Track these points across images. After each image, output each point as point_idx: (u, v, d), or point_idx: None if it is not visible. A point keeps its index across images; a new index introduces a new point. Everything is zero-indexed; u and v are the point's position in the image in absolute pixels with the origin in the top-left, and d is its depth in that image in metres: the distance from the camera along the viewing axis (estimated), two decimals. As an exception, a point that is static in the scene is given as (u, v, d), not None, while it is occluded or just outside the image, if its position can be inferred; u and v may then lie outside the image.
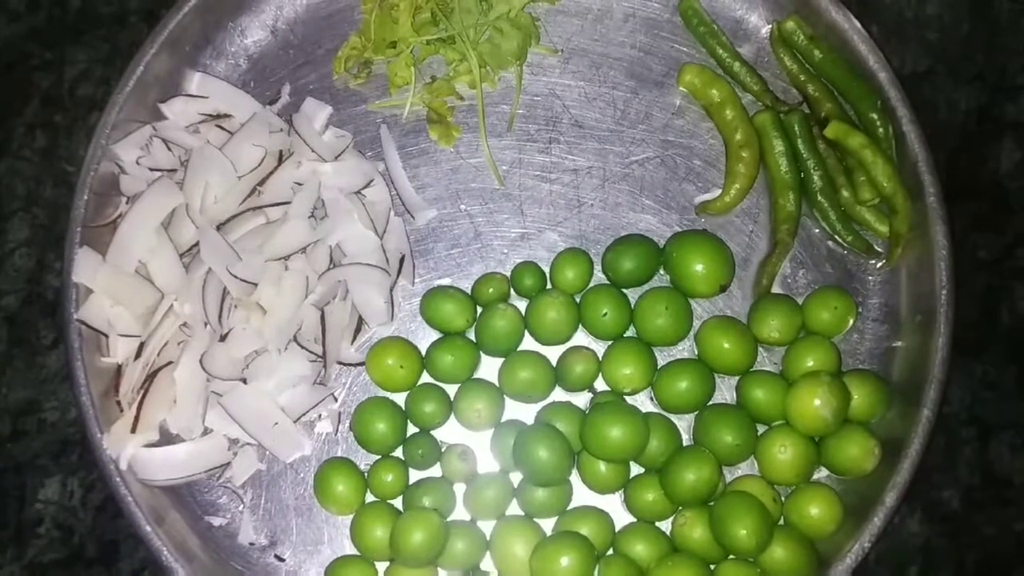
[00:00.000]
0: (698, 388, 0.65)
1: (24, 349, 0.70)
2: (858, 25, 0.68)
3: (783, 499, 0.65)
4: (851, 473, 0.65)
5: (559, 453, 0.62)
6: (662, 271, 0.69)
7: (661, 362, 0.67)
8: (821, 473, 0.66)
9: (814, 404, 0.62)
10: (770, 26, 0.71)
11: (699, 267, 0.66)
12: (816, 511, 0.63)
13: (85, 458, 0.68)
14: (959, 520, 0.69)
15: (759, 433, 0.65)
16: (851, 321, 0.67)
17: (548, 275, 0.68)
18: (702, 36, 0.70)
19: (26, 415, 0.69)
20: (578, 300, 0.67)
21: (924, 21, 0.74)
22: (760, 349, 0.67)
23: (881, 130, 0.68)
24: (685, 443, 0.66)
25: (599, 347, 0.67)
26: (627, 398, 0.66)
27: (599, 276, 0.69)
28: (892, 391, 0.66)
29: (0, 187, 0.72)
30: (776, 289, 0.69)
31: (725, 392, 0.67)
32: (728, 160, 0.69)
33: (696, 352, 0.67)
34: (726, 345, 0.65)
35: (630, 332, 0.68)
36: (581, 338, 0.68)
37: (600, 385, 0.67)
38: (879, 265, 0.69)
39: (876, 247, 0.69)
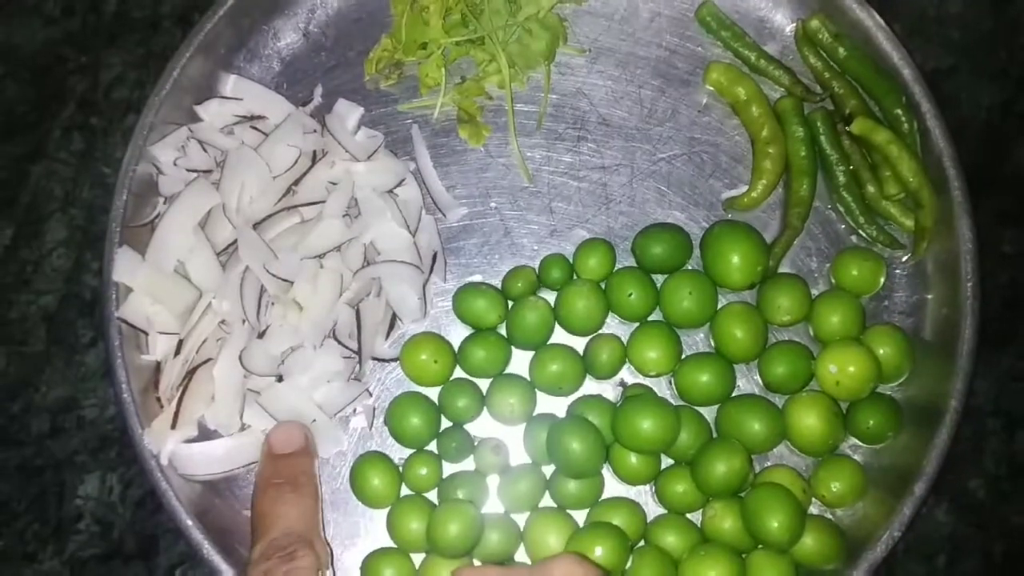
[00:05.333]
0: (719, 381, 0.66)
1: (63, 348, 0.72)
2: (882, 22, 0.69)
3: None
4: (878, 440, 0.66)
5: (591, 445, 0.63)
6: (690, 264, 0.70)
7: (686, 346, 0.68)
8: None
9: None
10: (794, 24, 0.72)
11: (735, 259, 0.67)
12: (839, 485, 0.65)
13: (124, 454, 0.69)
14: (986, 510, 0.70)
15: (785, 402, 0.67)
16: (881, 280, 0.68)
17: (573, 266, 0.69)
18: (725, 39, 0.71)
19: (65, 412, 0.71)
20: (604, 287, 0.68)
21: (946, 19, 0.75)
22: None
23: (906, 126, 0.69)
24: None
25: (626, 333, 0.68)
26: (657, 391, 0.67)
27: (623, 264, 0.70)
28: (916, 348, 0.67)
29: (38, 189, 0.73)
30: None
31: (739, 379, 0.68)
32: (755, 156, 0.70)
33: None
34: (738, 334, 0.66)
35: (656, 315, 0.69)
36: (611, 326, 0.69)
37: (628, 376, 0.68)
38: (905, 259, 0.70)
39: (901, 241, 0.70)
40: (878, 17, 0.69)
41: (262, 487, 0.62)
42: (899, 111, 0.69)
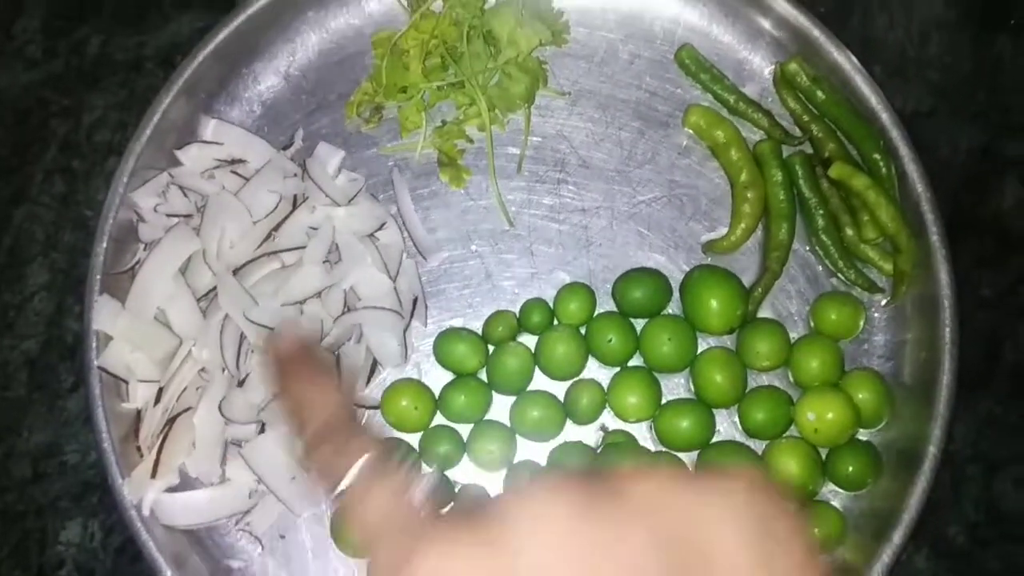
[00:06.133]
0: (699, 427, 0.66)
1: (45, 392, 0.72)
2: (860, 66, 0.69)
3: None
4: (857, 486, 0.66)
5: (571, 494, 0.63)
6: (671, 308, 0.70)
7: (666, 388, 0.68)
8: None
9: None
10: (773, 67, 0.72)
11: (714, 303, 0.67)
12: (818, 532, 0.65)
13: (105, 501, 0.69)
14: (966, 556, 0.70)
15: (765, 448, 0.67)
16: (860, 324, 0.68)
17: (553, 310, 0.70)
18: (704, 82, 0.71)
19: (47, 458, 0.71)
20: (585, 332, 0.69)
21: (926, 61, 0.75)
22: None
23: (884, 170, 0.69)
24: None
25: (607, 376, 0.68)
26: (637, 435, 0.68)
27: (605, 309, 0.70)
28: (895, 394, 0.68)
29: (20, 233, 0.73)
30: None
31: (720, 423, 0.68)
32: (734, 200, 0.71)
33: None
34: (718, 379, 0.67)
35: (637, 359, 0.69)
36: (591, 371, 0.69)
37: (609, 421, 0.68)
38: (883, 302, 0.70)
39: (879, 284, 0.70)
40: (856, 61, 0.70)
41: (282, 388, 0.60)
42: (877, 155, 0.69)
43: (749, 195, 0.70)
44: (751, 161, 0.70)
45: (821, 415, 0.65)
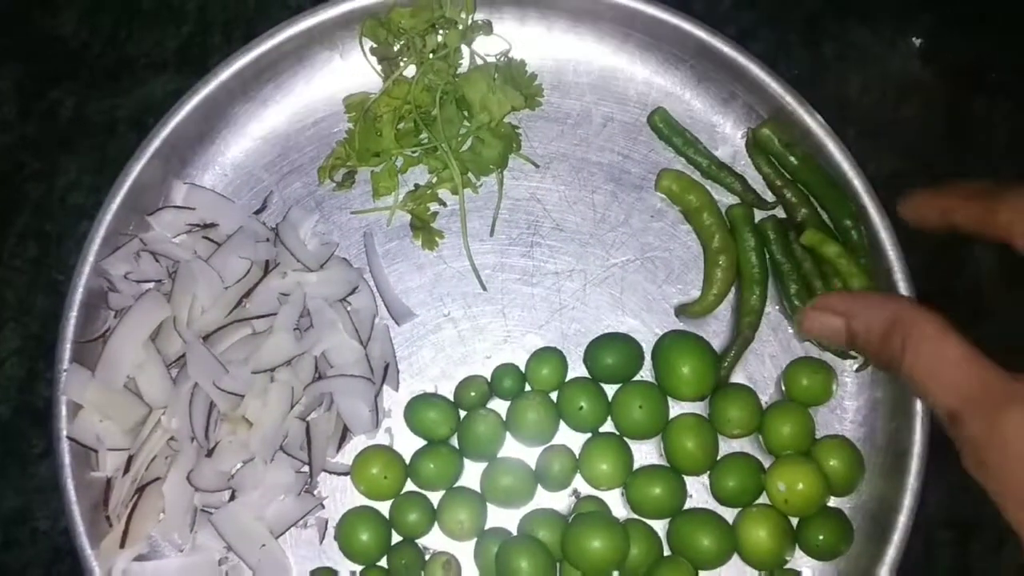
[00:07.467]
0: (670, 495, 0.66)
1: (16, 458, 0.71)
2: (832, 132, 0.69)
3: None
4: (829, 555, 0.66)
5: (540, 564, 0.63)
6: (642, 372, 0.70)
7: (638, 452, 0.68)
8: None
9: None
10: (746, 131, 0.72)
11: (685, 371, 0.67)
12: None
13: (76, 569, 0.69)
14: (939, 624, 0.70)
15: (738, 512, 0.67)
16: (831, 390, 0.68)
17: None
18: (676, 145, 0.71)
19: (19, 524, 0.71)
20: (556, 397, 0.69)
21: (902, 123, 0.75)
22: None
23: (856, 236, 0.69)
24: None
25: (579, 441, 0.68)
26: (609, 499, 0.68)
27: (578, 373, 0.70)
28: (866, 461, 0.68)
29: (-7, 297, 0.73)
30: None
31: (693, 488, 0.68)
32: (706, 265, 0.70)
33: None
34: (689, 447, 0.66)
35: (609, 425, 0.69)
36: (563, 436, 0.69)
37: (581, 486, 0.68)
38: (855, 368, 0.70)
39: (852, 351, 0.70)
40: (828, 126, 0.69)
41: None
42: (848, 222, 0.69)
43: (721, 260, 0.70)
44: (723, 226, 0.70)
45: (791, 486, 0.65)
